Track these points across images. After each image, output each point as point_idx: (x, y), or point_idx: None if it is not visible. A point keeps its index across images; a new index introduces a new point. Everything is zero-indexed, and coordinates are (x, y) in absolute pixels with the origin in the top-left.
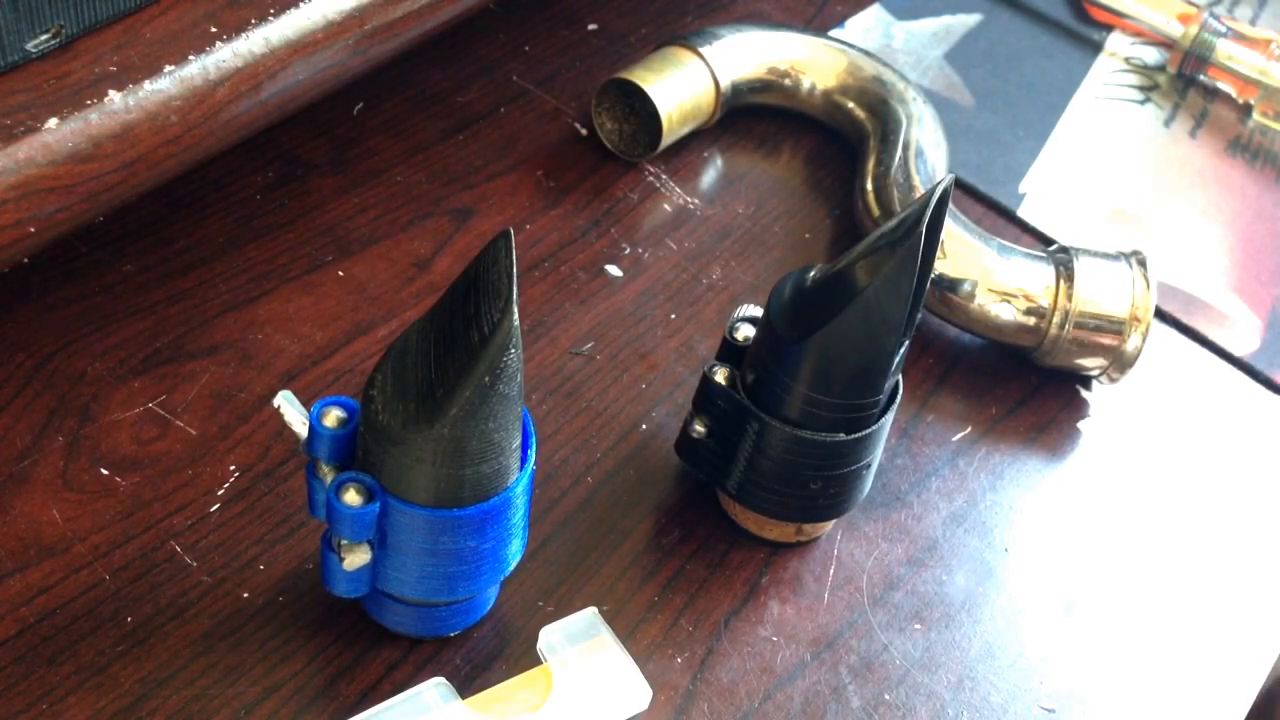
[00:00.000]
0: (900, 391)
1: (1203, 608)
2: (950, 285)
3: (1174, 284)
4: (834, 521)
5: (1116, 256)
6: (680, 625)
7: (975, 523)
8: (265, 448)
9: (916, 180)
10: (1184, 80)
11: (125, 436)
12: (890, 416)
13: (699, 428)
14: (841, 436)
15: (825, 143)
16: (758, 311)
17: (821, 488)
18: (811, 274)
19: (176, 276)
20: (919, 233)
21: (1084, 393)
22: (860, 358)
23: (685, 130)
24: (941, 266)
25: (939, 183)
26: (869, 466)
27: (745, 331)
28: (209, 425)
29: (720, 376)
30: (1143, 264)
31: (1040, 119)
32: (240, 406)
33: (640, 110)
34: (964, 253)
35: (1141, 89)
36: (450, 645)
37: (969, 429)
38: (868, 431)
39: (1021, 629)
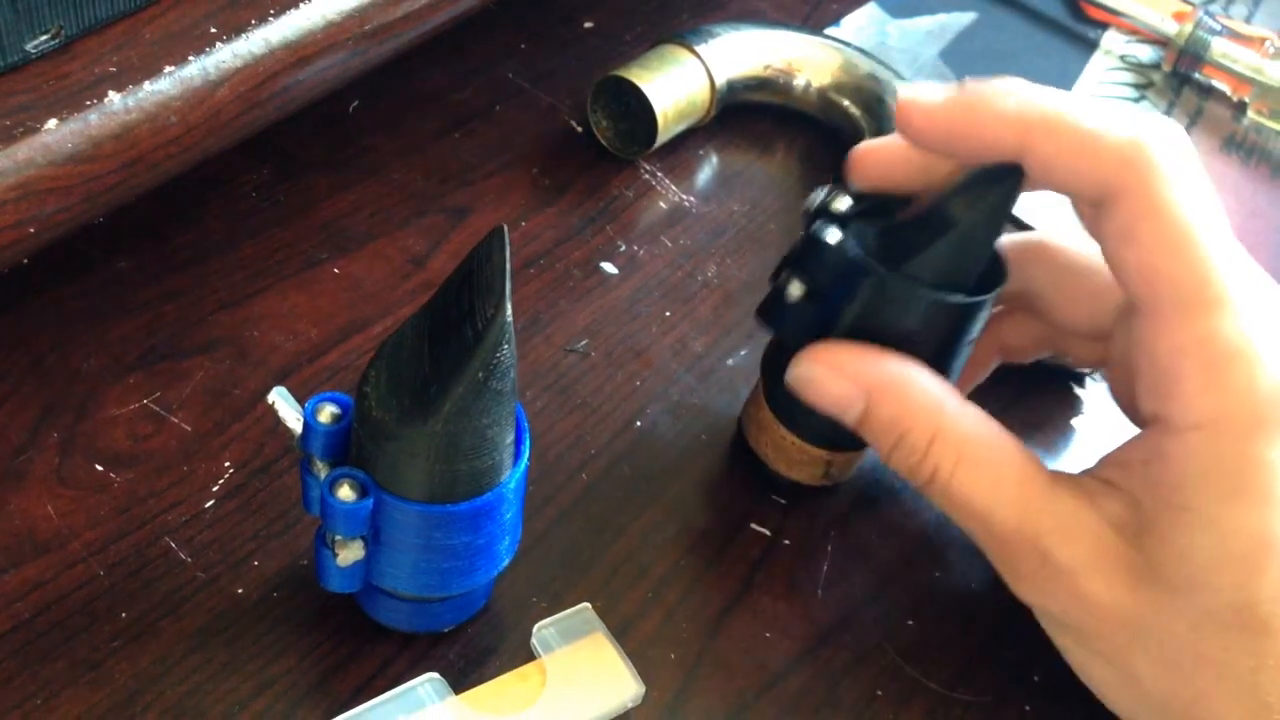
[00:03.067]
0: (1007, 268)
1: None
2: None
3: None
4: (854, 471)
5: None
6: (674, 621)
7: None
8: (260, 444)
9: None
10: (1179, 78)
11: (120, 433)
12: (1002, 286)
13: (795, 290)
14: (962, 298)
15: (820, 140)
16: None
17: (929, 357)
18: (908, 209)
19: (172, 273)
20: (1019, 173)
21: (1078, 390)
22: (959, 273)
23: (680, 128)
24: None
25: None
26: (972, 343)
27: (845, 202)
28: (204, 422)
29: (832, 237)
30: None
31: None
32: (235, 403)
33: (636, 108)
34: None
35: (1136, 87)
36: (444, 641)
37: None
38: (990, 295)
39: (1016, 626)
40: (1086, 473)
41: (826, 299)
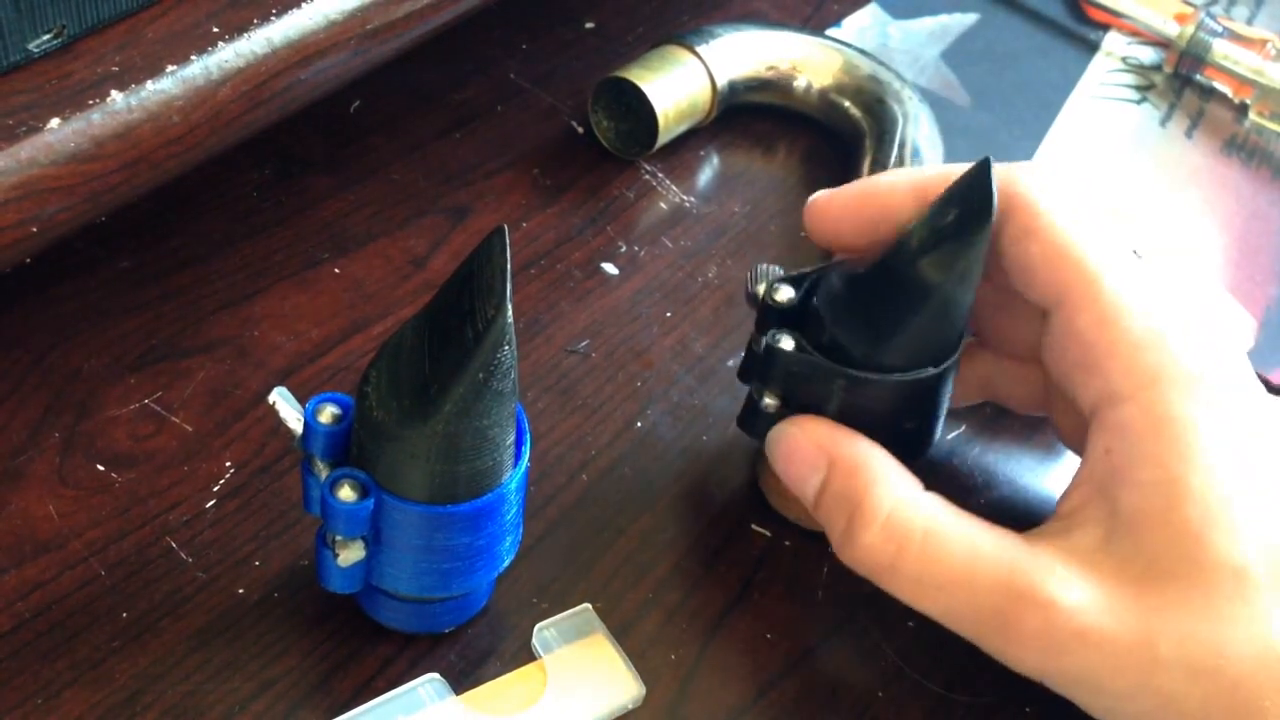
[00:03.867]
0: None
1: None
2: None
3: None
4: None
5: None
6: (674, 622)
7: None
8: (261, 444)
9: None
10: (1180, 80)
11: (121, 433)
12: (966, 341)
13: (770, 400)
14: (930, 371)
15: (821, 141)
16: (779, 270)
17: (915, 426)
18: (856, 267)
19: (173, 273)
20: (989, 225)
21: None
22: (938, 340)
23: (681, 129)
24: None
25: (984, 164)
26: (947, 405)
27: (786, 294)
28: (205, 422)
29: (787, 344)
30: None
31: (1036, 118)
32: (236, 403)
33: (637, 109)
34: None
35: (1138, 88)
36: (444, 641)
37: (963, 428)
38: (953, 360)
39: None
40: (1050, 521)
41: (802, 404)
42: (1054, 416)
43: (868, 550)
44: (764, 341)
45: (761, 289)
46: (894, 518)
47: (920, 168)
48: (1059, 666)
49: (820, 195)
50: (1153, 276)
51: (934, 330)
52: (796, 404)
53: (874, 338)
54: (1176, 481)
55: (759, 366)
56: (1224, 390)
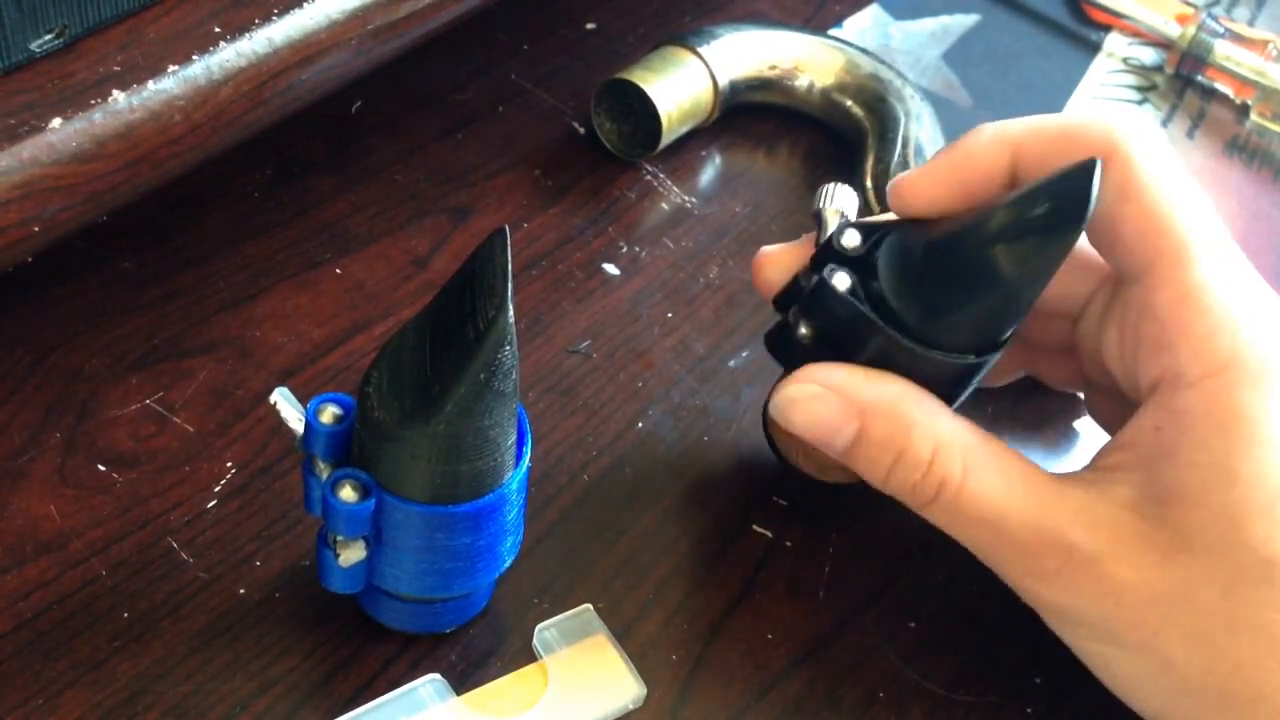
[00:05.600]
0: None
1: None
2: None
3: None
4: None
5: None
6: (675, 622)
7: None
8: (262, 444)
9: None
10: (1181, 81)
11: (122, 433)
12: (1015, 332)
13: (805, 330)
14: (972, 359)
15: (823, 141)
16: (851, 196)
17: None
18: (920, 237)
19: (174, 273)
20: (1079, 229)
21: (1079, 393)
22: (994, 326)
23: (684, 130)
24: None
25: (1090, 165)
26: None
27: (853, 239)
28: (206, 422)
29: (841, 283)
30: None
31: None
32: (237, 403)
33: (639, 110)
34: None
35: (1139, 89)
36: (445, 642)
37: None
38: (996, 355)
39: (1016, 627)
40: (1086, 468)
41: (835, 343)
42: (1090, 396)
43: (913, 487)
44: (816, 276)
45: (831, 222)
46: (937, 456)
47: (1007, 122)
48: (1074, 605)
49: (907, 175)
50: (1237, 261)
51: (989, 319)
52: (829, 342)
53: (928, 311)
54: (1224, 467)
55: (805, 298)
56: None
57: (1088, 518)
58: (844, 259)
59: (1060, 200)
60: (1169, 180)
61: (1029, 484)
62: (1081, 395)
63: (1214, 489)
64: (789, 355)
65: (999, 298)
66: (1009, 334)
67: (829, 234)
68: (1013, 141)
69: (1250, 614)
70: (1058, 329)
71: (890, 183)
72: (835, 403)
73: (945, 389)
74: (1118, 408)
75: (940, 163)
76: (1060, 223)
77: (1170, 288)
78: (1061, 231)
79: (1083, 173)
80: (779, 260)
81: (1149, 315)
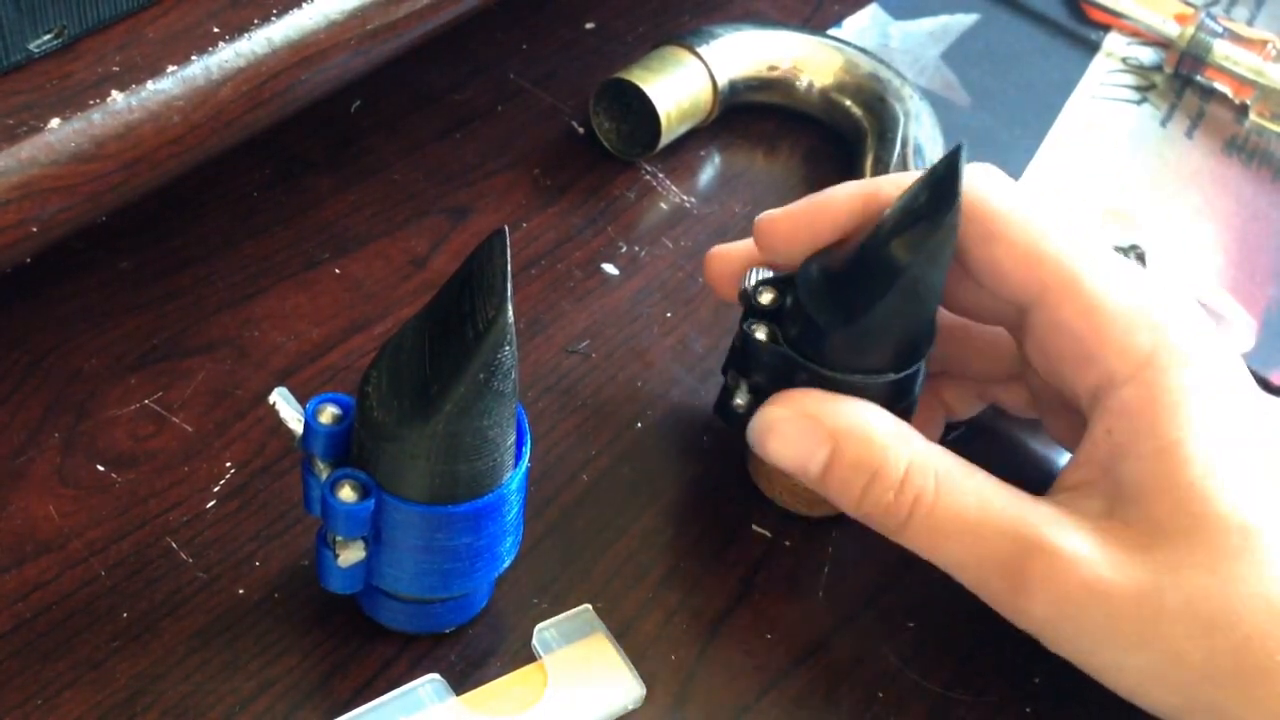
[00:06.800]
0: (936, 327)
1: None
2: None
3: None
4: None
5: (1115, 250)
6: (674, 623)
7: None
8: (261, 444)
9: None
10: (1180, 80)
11: (121, 433)
12: (931, 349)
13: (740, 400)
14: (891, 376)
15: (823, 141)
16: (768, 273)
17: None
18: (836, 255)
19: (173, 273)
20: (958, 205)
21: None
22: (908, 328)
23: (683, 129)
24: None
25: (956, 149)
26: (914, 407)
27: (769, 295)
28: (205, 422)
29: (761, 334)
30: (1141, 258)
31: (1037, 119)
32: (236, 403)
33: (638, 109)
34: None
35: (1138, 89)
36: (445, 642)
37: (962, 428)
38: (915, 368)
39: (1016, 628)
40: (1052, 490)
41: (769, 393)
42: (1045, 416)
43: (886, 509)
44: (741, 329)
45: (752, 278)
46: (910, 475)
47: (866, 179)
48: (1064, 615)
49: (768, 213)
50: (1124, 262)
51: (900, 325)
52: (764, 394)
53: (845, 319)
54: (1178, 447)
55: (735, 355)
56: (1212, 362)
57: (1064, 526)
58: (763, 313)
59: (936, 185)
60: (1028, 212)
61: (1003, 498)
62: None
63: (1171, 471)
64: (735, 420)
65: (905, 285)
66: (925, 348)
67: (749, 286)
68: (871, 187)
69: (1241, 586)
70: (1002, 357)
71: (756, 220)
72: (807, 427)
73: (885, 406)
74: (1070, 423)
75: (800, 204)
76: (940, 203)
77: (1070, 304)
78: (943, 210)
79: (950, 156)
80: (727, 257)
81: (1062, 333)
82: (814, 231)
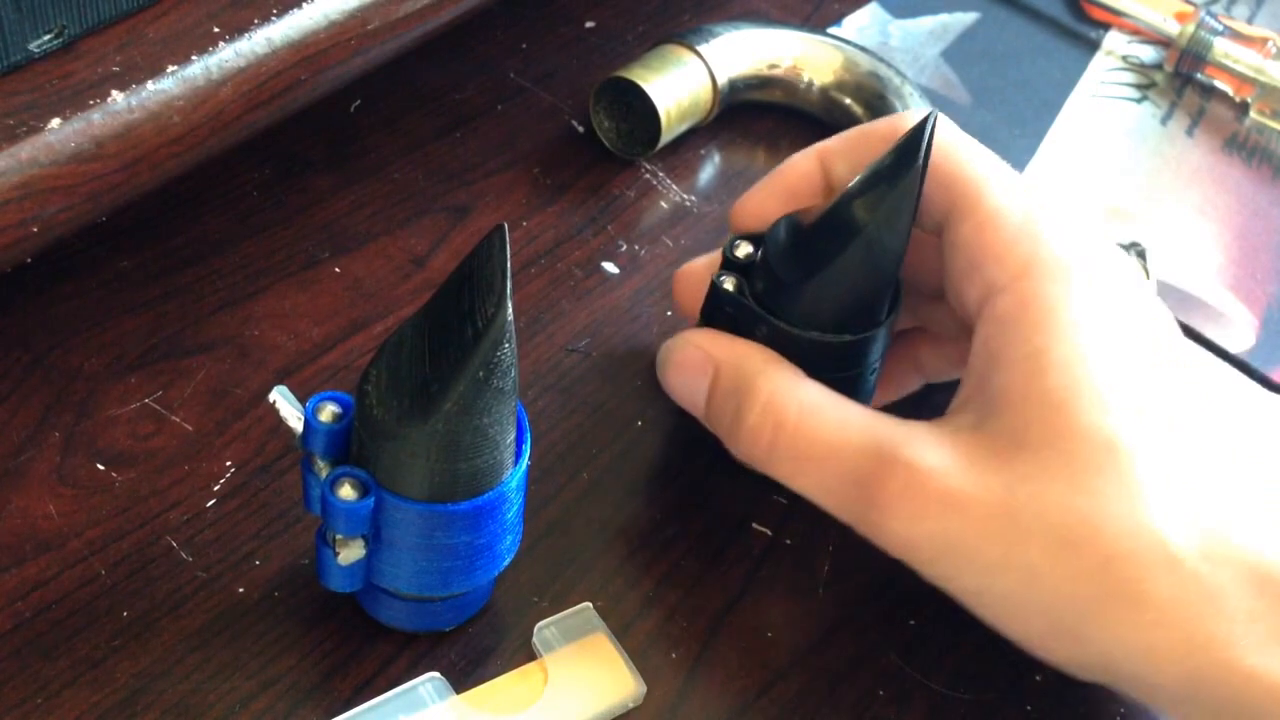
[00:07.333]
0: (902, 295)
1: None
2: None
3: (1169, 281)
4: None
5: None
6: (675, 621)
7: None
8: (261, 443)
9: None
10: (1181, 78)
11: (121, 432)
12: (895, 316)
13: None
14: (848, 337)
15: (823, 139)
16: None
17: (838, 384)
18: (807, 215)
19: (173, 273)
20: (917, 168)
21: None
22: (865, 288)
23: (683, 128)
24: None
25: (927, 115)
26: (874, 370)
27: (745, 249)
28: (205, 421)
29: (729, 284)
30: (1142, 255)
31: (1037, 117)
32: (236, 402)
33: (638, 108)
34: None
35: (1138, 87)
36: (445, 641)
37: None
38: (873, 332)
39: None
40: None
41: None
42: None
43: (750, 433)
44: (711, 280)
45: (729, 242)
46: (773, 399)
47: (825, 140)
48: (923, 532)
49: (740, 198)
50: (1025, 185)
51: (861, 273)
52: None
53: (804, 276)
54: (1042, 353)
55: (705, 305)
56: (1094, 276)
57: (924, 440)
58: (736, 266)
59: (902, 149)
60: (954, 141)
61: (865, 419)
62: None
63: (1033, 379)
64: None
65: (862, 246)
66: (885, 314)
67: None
68: (819, 149)
69: (1103, 503)
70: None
71: (731, 209)
72: (694, 357)
73: (837, 372)
74: None
75: (764, 181)
76: (902, 166)
77: (970, 219)
78: (904, 172)
79: (920, 124)
80: (692, 274)
81: (958, 249)
82: (778, 200)
